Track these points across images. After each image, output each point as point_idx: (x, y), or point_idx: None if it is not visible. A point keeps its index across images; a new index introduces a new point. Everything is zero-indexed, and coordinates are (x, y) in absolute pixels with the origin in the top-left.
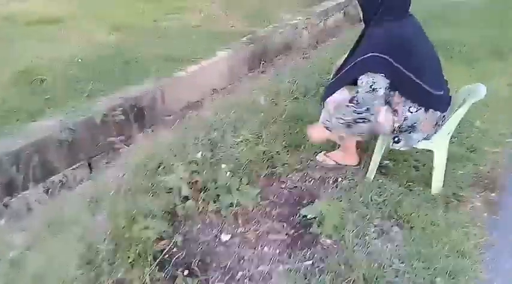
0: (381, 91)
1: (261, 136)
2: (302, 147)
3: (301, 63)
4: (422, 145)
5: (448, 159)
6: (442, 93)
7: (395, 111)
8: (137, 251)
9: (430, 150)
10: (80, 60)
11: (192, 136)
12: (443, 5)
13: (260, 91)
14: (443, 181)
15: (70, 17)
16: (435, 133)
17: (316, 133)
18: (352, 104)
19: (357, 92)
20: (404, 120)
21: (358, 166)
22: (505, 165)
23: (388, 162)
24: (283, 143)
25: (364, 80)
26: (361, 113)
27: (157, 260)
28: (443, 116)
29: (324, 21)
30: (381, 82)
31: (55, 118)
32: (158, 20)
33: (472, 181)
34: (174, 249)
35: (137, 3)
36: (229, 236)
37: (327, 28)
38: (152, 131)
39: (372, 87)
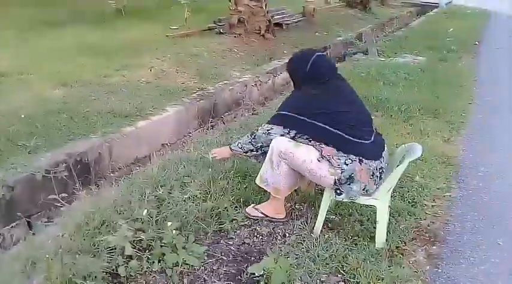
0: (275, 136)
1: (209, 192)
2: (250, 202)
3: (250, 120)
4: (366, 201)
5: (390, 214)
6: (369, 141)
7: (331, 164)
8: None
9: (373, 205)
10: (23, 115)
11: (138, 192)
12: (379, 65)
13: (209, 147)
14: (387, 235)
15: (16, 71)
16: (375, 185)
17: (220, 153)
18: (251, 137)
19: (257, 130)
20: (342, 172)
21: (286, 220)
22: (444, 218)
23: (334, 216)
24: (232, 199)
25: (264, 126)
26: (255, 147)
27: None
28: (381, 168)
29: (273, 79)
30: (276, 129)
31: None
32: (107, 76)
33: (414, 234)
34: None
35: (85, 59)
36: None
37: (275, 86)
38: (97, 187)
39: (268, 131)
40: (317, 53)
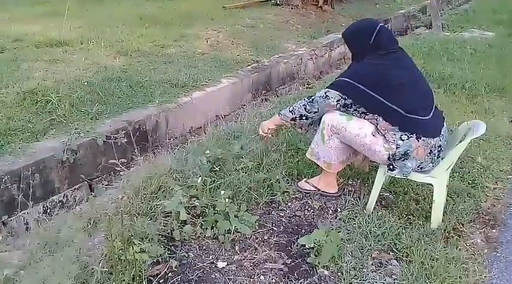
0: (332, 101)
1: (262, 163)
2: (302, 176)
3: (304, 93)
4: (422, 179)
5: (448, 194)
6: (428, 118)
7: (386, 139)
8: (132, 274)
9: (430, 184)
10: (85, 82)
11: (193, 161)
12: (443, 40)
13: (263, 119)
14: (444, 215)
15: (78, 40)
16: (431, 163)
17: (267, 125)
18: (307, 100)
19: (314, 95)
20: (397, 147)
21: (338, 195)
22: (506, 202)
23: (388, 194)
24: (284, 171)
25: (322, 91)
26: (309, 112)
27: None
28: (439, 146)
29: (329, 53)
30: (333, 94)
31: (58, 139)
32: (165, 46)
33: (473, 216)
34: (170, 274)
35: (144, 29)
36: (225, 263)
37: (332, 60)
38: (154, 154)
39: (326, 93)
40: (380, 24)
